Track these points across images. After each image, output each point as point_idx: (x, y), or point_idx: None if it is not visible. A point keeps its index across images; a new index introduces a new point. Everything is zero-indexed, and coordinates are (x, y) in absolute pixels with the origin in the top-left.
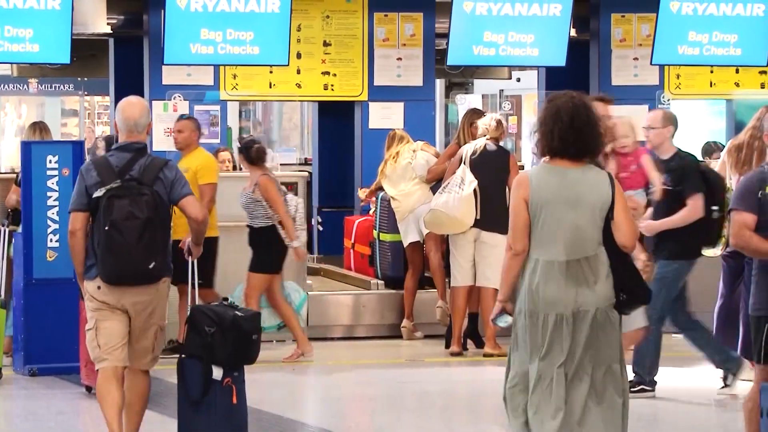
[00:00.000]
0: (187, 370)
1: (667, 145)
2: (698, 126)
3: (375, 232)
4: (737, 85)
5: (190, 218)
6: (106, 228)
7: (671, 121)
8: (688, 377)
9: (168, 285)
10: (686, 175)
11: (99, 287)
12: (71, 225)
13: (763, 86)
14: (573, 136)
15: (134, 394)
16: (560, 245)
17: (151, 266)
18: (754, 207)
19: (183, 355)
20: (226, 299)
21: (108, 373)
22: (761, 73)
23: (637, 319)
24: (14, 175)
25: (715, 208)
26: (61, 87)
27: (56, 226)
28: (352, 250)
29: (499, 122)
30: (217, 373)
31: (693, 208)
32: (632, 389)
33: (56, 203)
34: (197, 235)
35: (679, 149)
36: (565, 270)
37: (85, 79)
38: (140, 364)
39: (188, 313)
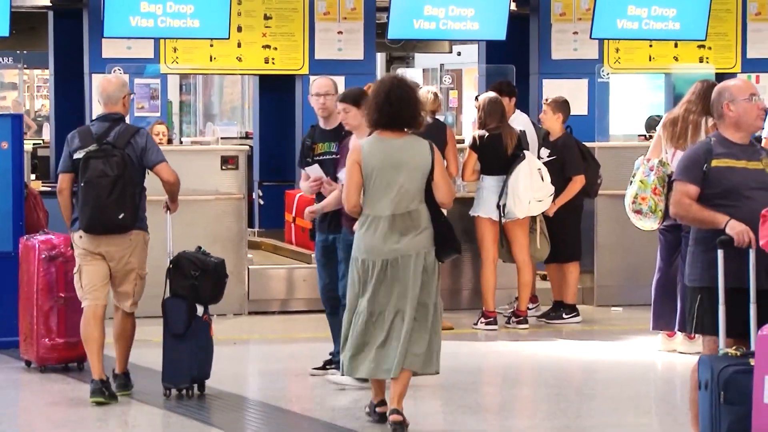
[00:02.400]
0: (173, 308)
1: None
2: (638, 100)
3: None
4: (676, 59)
5: (163, 181)
6: (83, 184)
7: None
8: (625, 351)
9: (143, 237)
10: None
11: (81, 236)
12: (59, 185)
13: (701, 60)
14: (393, 111)
15: (119, 332)
16: (387, 202)
17: (120, 217)
18: (698, 179)
19: (168, 296)
20: (200, 248)
21: (89, 312)
22: (700, 47)
23: None
24: None
25: None
26: (0, 60)
27: None
28: (293, 224)
29: (435, 95)
30: (200, 310)
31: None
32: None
33: None
34: (171, 195)
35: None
36: (391, 223)
37: (24, 52)
38: (123, 306)
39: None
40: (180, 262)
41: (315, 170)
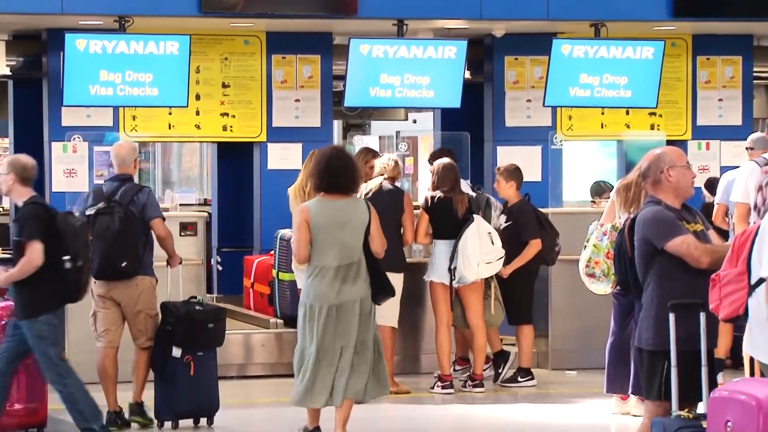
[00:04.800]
0: (154, 350)
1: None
2: (590, 167)
3: (274, 272)
4: (628, 126)
5: (156, 234)
6: (92, 238)
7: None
8: (579, 414)
9: (149, 282)
10: (25, 221)
11: (95, 282)
12: None
13: (653, 128)
14: (333, 178)
15: (137, 364)
16: (332, 255)
17: (123, 265)
18: (684, 230)
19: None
20: (194, 297)
21: (102, 353)
22: (651, 114)
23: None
24: None
25: (66, 257)
26: None
27: None
28: (251, 290)
29: (396, 162)
30: (176, 352)
31: (30, 257)
32: None
33: None
34: (165, 249)
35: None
36: (336, 273)
37: None
38: (137, 343)
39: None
40: (162, 309)
41: None
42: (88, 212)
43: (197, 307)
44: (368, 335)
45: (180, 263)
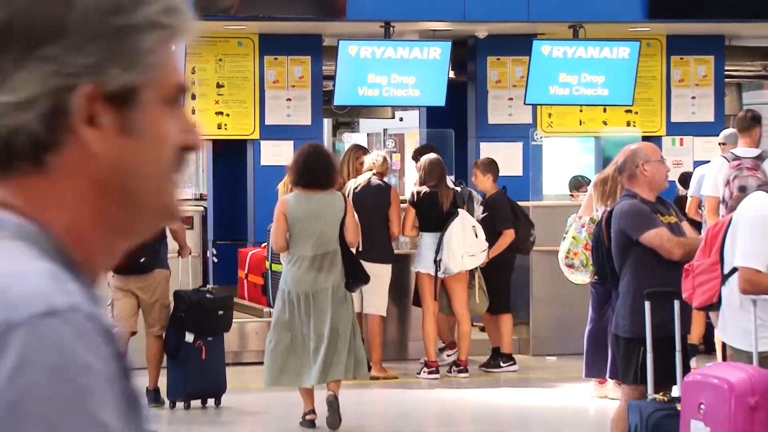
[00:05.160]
0: (167, 335)
1: None
2: (569, 162)
3: (267, 263)
4: (605, 123)
5: (170, 229)
6: None
7: None
8: (559, 397)
9: (165, 275)
10: None
11: (113, 276)
12: None
13: (629, 124)
14: (310, 174)
15: (150, 353)
16: (309, 246)
17: (141, 260)
18: (659, 222)
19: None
20: (204, 286)
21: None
22: (627, 112)
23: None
24: None
25: None
26: None
27: None
28: (245, 280)
29: (384, 159)
30: (189, 337)
31: None
32: None
33: None
34: (177, 241)
35: None
36: (311, 262)
37: None
38: (152, 331)
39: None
40: (175, 298)
41: None
42: None
43: (208, 295)
44: (343, 320)
45: (190, 254)
